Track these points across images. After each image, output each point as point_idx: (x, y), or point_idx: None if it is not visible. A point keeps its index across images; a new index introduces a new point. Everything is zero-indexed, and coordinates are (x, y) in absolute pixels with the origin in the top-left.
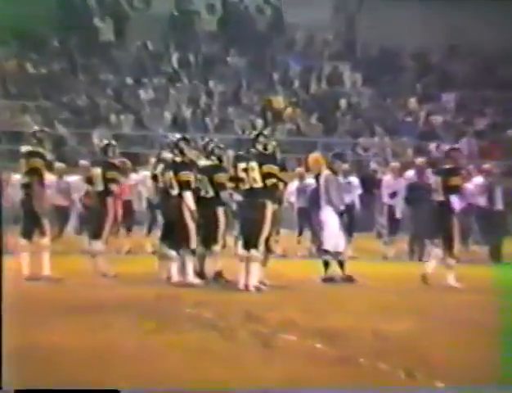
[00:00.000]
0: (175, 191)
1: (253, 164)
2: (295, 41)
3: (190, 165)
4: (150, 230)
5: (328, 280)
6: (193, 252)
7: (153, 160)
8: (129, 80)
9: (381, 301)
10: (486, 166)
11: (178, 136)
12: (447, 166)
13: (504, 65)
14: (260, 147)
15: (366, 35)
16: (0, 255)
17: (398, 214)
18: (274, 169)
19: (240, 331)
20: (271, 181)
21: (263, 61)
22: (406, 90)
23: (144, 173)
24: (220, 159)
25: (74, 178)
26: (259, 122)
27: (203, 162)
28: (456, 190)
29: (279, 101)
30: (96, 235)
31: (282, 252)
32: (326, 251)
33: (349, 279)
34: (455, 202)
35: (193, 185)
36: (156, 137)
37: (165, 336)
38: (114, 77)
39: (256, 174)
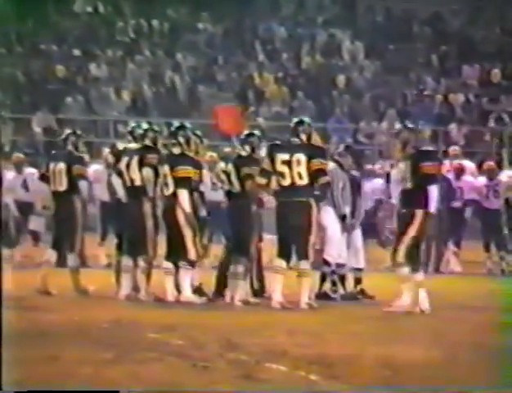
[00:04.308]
0: (169, 190)
1: (301, 156)
2: (282, 3)
3: (189, 159)
4: (103, 238)
5: (323, 297)
6: (192, 264)
7: (106, 150)
8: (77, 52)
9: (389, 323)
10: None
11: (177, 124)
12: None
13: None
14: (304, 137)
15: None
16: None
17: None
18: (325, 164)
19: (218, 360)
20: (324, 179)
21: (243, 29)
22: (419, 63)
23: (96, 168)
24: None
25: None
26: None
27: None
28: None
29: (263, 77)
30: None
31: (267, 263)
32: (326, 262)
33: (352, 297)
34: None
35: (193, 183)
36: (111, 122)
37: (124, 366)
38: (59, 48)
39: (303, 169)
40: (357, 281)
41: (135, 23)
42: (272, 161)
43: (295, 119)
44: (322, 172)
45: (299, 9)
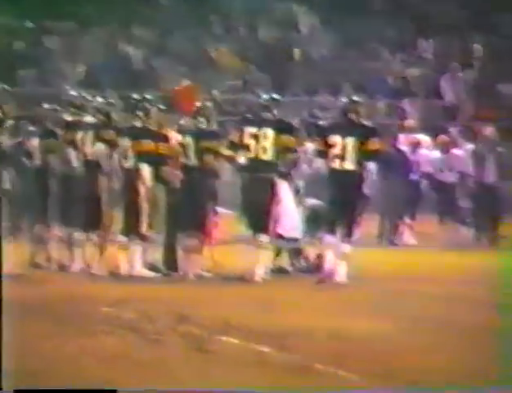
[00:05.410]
0: (129, 163)
1: (268, 130)
2: None
3: (150, 132)
4: None
5: (278, 271)
6: (143, 238)
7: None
8: (29, 24)
9: (341, 297)
10: (476, 128)
11: (137, 96)
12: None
13: (499, 4)
14: (274, 112)
15: None
16: None
17: (366, 189)
18: (293, 140)
19: (169, 333)
20: (292, 155)
21: (198, 1)
22: (375, 36)
23: None
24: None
25: None
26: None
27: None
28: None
29: (218, 50)
30: None
31: (224, 237)
32: (279, 236)
33: (307, 270)
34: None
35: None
36: (65, 95)
37: (76, 340)
38: (13, 19)
39: (268, 144)
40: (319, 255)
41: None
42: (240, 134)
43: (265, 95)
44: (291, 148)
45: None
